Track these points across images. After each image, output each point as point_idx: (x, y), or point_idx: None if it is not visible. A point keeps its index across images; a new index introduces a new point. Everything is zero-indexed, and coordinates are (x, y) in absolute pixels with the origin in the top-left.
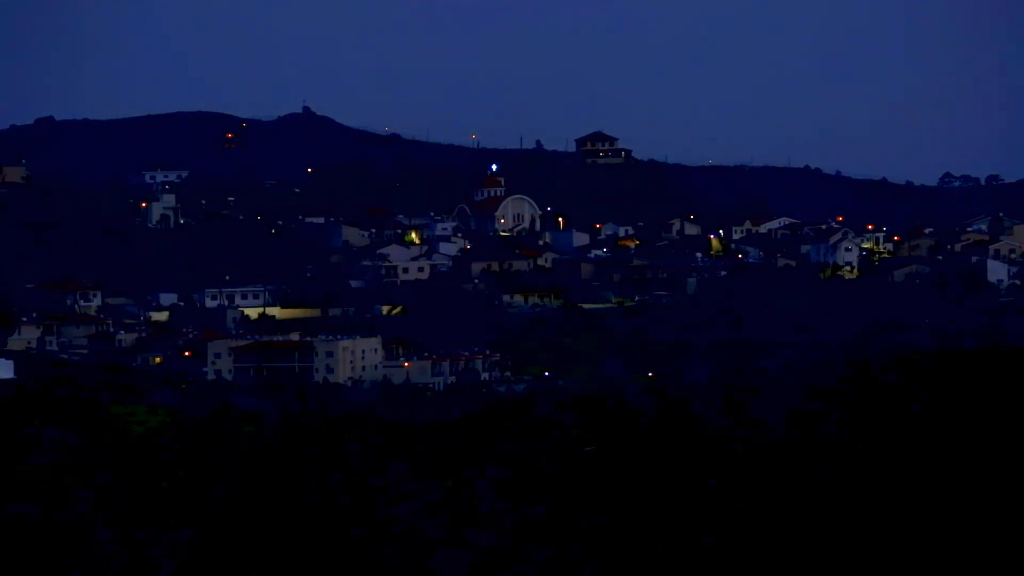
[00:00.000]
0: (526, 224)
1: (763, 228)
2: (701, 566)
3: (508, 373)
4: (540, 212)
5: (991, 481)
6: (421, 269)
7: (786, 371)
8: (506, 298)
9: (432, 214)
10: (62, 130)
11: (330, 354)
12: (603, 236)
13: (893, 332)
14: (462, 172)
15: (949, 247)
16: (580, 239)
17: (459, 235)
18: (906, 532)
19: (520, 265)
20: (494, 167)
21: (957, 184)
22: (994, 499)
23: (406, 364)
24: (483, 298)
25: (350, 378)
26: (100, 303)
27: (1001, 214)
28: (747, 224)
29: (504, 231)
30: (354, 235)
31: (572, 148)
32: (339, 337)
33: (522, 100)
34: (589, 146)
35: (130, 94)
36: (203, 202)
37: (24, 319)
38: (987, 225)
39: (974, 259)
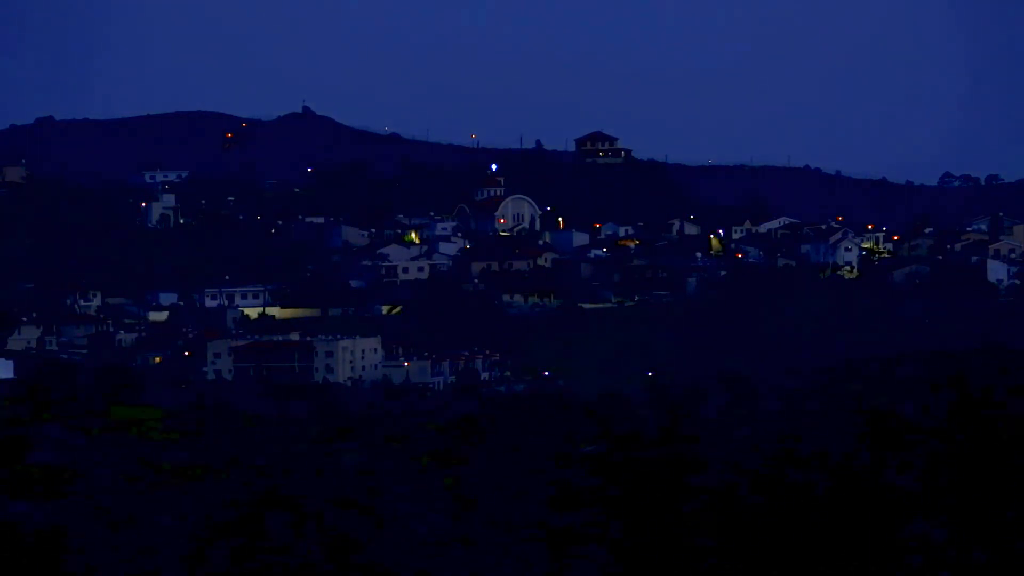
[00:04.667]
0: (526, 224)
1: (763, 228)
2: (701, 568)
3: (508, 373)
4: (540, 212)
5: (993, 487)
6: (421, 269)
7: (786, 373)
8: (506, 298)
9: (432, 214)
10: (62, 130)
11: (330, 354)
12: (603, 236)
13: (891, 333)
14: (462, 172)
15: (949, 247)
16: (580, 239)
17: (459, 235)
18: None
19: (520, 265)
20: (494, 167)
21: (957, 184)
22: (996, 506)
23: (406, 364)
24: (483, 298)
25: (350, 378)
26: (100, 303)
27: (1001, 214)
28: (747, 224)
29: (504, 231)
30: (354, 235)
31: (572, 148)
32: (339, 337)
33: (522, 100)
34: (589, 146)
35: (130, 94)
36: (203, 202)
37: (24, 319)
38: (987, 225)
39: (974, 259)
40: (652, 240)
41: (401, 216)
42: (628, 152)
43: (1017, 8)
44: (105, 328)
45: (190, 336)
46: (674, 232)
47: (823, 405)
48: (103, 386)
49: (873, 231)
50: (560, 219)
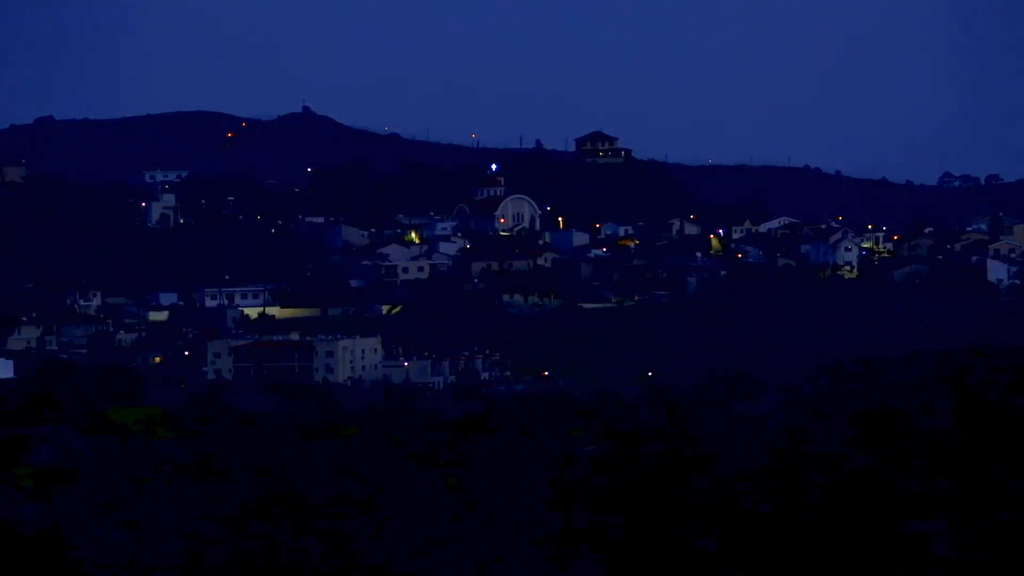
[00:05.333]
0: (526, 224)
1: (763, 228)
2: (701, 568)
3: (508, 373)
4: (540, 212)
5: (994, 488)
6: (421, 269)
7: (786, 373)
8: (506, 298)
9: (432, 214)
10: (62, 130)
11: (330, 354)
12: (603, 236)
13: (891, 333)
14: (462, 172)
15: (949, 247)
16: (580, 239)
17: (459, 235)
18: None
19: (520, 265)
20: (494, 167)
21: (957, 184)
22: (996, 507)
23: (406, 364)
24: (483, 298)
25: (350, 378)
26: (100, 303)
27: (1001, 214)
28: (747, 224)
29: (504, 231)
30: (354, 235)
31: (572, 148)
32: (339, 337)
33: (522, 100)
34: (589, 146)
35: (130, 94)
36: (203, 202)
37: (24, 319)
38: (987, 225)
39: (974, 259)
40: (652, 240)
41: (401, 216)
42: (628, 152)
43: (1017, 8)
44: (105, 328)
45: (190, 336)
46: (674, 232)
47: (823, 405)
48: (103, 386)
49: (873, 231)
50: (560, 219)
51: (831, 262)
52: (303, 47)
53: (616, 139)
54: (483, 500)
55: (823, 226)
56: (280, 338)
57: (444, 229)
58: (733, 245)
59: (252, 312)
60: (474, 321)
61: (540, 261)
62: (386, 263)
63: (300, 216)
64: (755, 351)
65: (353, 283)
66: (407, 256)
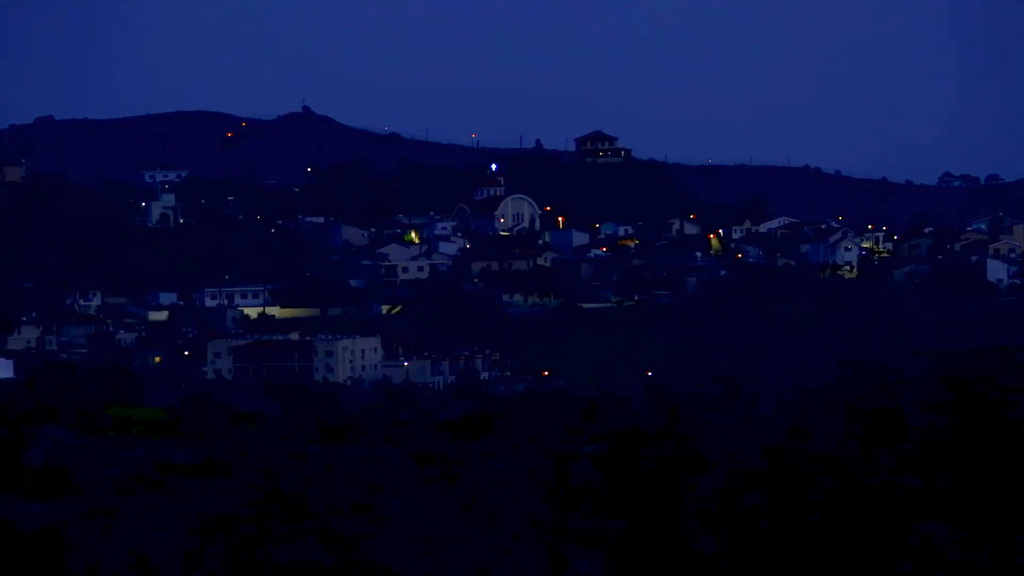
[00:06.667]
0: (526, 223)
1: (763, 228)
2: (701, 568)
3: (508, 373)
4: (540, 212)
5: (995, 487)
6: (421, 269)
7: (786, 372)
8: (506, 298)
9: (432, 214)
10: (62, 130)
11: (330, 354)
12: (603, 236)
13: (891, 333)
14: (462, 172)
15: (949, 247)
16: (580, 239)
17: (459, 235)
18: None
19: (520, 265)
20: (494, 167)
21: (957, 184)
22: (996, 506)
23: (406, 364)
24: (483, 298)
25: (349, 377)
26: (100, 303)
27: (1001, 214)
28: (747, 224)
29: (504, 231)
30: (354, 235)
31: (572, 148)
32: (339, 337)
33: (522, 100)
34: (589, 146)
35: (130, 94)
36: (203, 202)
37: (24, 319)
38: (987, 225)
39: (974, 259)
40: (652, 240)
41: (401, 216)
42: (628, 152)
43: (1017, 8)
44: (105, 328)
45: (190, 336)
46: (674, 232)
47: (823, 404)
48: (103, 386)
49: (873, 231)
50: (560, 219)
51: (831, 262)
52: (303, 47)
53: (616, 139)
54: (483, 500)
55: (823, 226)
56: (280, 338)
57: (444, 229)
58: (733, 245)
59: (252, 312)
60: (474, 321)
61: (540, 261)
62: (386, 263)
63: (300, 216)
64: (755, 351)
65: (353, 283)
66: (407, 256)
